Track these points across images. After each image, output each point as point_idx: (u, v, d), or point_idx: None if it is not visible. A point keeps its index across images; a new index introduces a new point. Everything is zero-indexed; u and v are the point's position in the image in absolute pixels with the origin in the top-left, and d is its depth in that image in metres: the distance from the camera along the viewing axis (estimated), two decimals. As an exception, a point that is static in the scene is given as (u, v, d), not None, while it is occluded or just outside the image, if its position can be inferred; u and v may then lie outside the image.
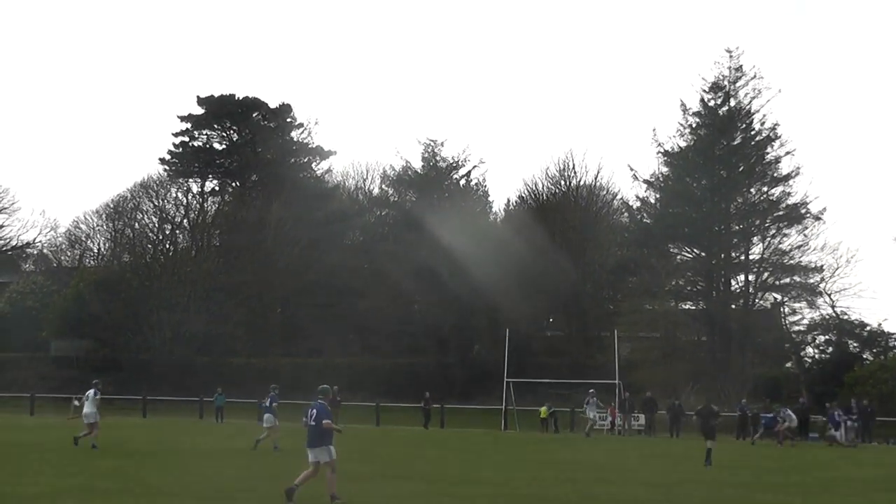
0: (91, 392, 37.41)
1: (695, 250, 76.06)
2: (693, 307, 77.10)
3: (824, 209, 73.74)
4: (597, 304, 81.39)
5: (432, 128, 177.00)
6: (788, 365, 79.96)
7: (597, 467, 33.09)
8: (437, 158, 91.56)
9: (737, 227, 75.31)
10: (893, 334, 78.84)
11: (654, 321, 74.40)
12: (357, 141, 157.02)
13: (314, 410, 21.15)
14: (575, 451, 42.90)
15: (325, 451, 20.95)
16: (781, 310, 77.48)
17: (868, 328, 77.82)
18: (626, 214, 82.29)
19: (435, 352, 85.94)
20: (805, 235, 74.26)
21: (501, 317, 76.89)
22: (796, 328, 78.63)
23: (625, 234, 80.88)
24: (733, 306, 75.43)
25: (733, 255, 75.60)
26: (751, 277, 75.15)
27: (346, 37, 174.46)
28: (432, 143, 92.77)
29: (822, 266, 74.86)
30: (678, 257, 77.01)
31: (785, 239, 74.64)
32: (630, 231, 79.72)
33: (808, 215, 73.68)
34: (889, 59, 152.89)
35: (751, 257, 75.27)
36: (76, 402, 50.65)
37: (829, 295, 77.10)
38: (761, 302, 76.05)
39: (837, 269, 76.45)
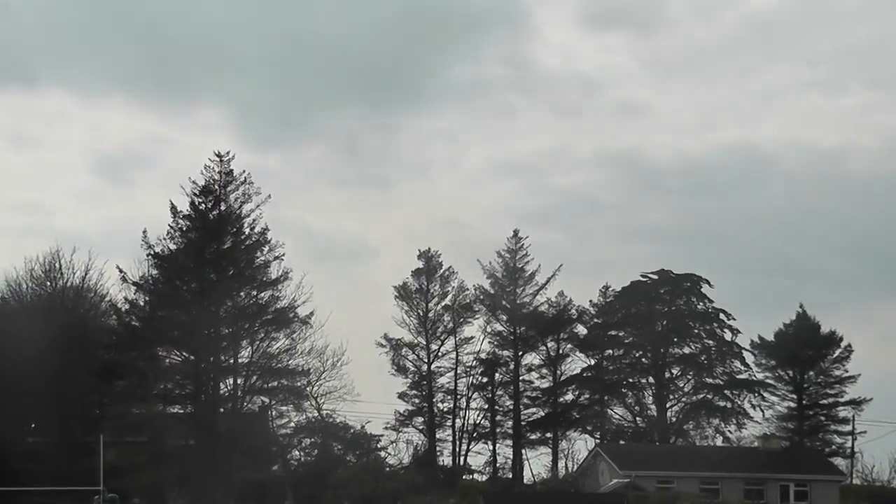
0: None
1: (184, 353, 75.80)
2: (181, 410, 77.13)
3: (312, 313, 75.99)
4: (82, 408, 77.19)
5: None
6: (275, 468, 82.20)
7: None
8: None
9: (226, 331, 76.39)
10: (376, 436, 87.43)
11: (142, 425, 74.63)
12: None
13: None
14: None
15: None
16: (269, 413, 79.92)
17: (352, 430, 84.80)
18: (114, 317, 79.62)
19: None
20: (293, 339, 77.02)
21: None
22: (283, 431, 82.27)
23: (113, 337, 78.22)
24: (222, 410, 76.54)
25: (222, 358, 76.65)
26: (239, 381, 76.91)
27: None
28: None
29: (308, 369, 78.66)
30: (167, 360, 76.71)
31: (273, 343, 76.86)
32: (118, 334, 78.16)
33: (296, 319, 76.39)
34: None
35: (240, 360, 77.01)
36: None
37: (316, 398, 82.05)
38: (249, 405, 78.30)
39: (324, 372, 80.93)
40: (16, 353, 70.84)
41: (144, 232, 75.15)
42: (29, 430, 76.91)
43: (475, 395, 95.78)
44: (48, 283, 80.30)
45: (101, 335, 78.74)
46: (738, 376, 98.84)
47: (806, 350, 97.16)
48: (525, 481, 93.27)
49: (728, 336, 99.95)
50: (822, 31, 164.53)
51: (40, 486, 60.83)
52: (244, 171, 76.44)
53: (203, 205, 75.77)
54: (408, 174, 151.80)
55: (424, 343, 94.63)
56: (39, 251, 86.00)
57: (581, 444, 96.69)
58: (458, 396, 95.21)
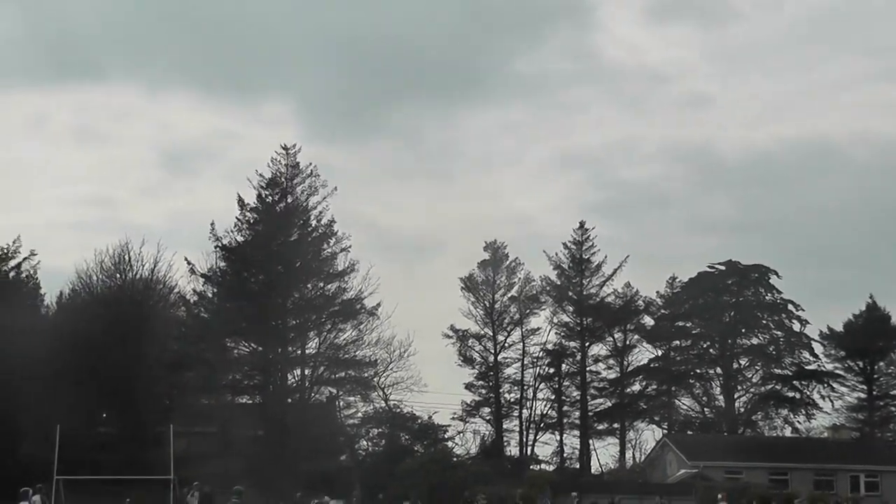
0: None
1: (252, 344, 76.13)
2: (250, 401, 77.37)
3: (378, 304, 75.77)
4: (152, 398, 76.14)
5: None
6: (343, 458, 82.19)
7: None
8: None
9: (293, 322, 76.49)
10: (443, 427, 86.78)
11: (210, 415, 74.31)
12: None
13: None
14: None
15: None
16: (337, 403, 79.75)
17: (419, 421, 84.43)
18: (183, 308, 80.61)
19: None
20: (360, 330, 77.08)
21: (52, 413, 67.01)
22: (351, 421, 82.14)
23: (182, 329, 78.73)
24: (290, 400, 76.49)
25: (290, 349, 76.84)
26: (307, 371, 77.41)
27: None
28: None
29: (375, 360, 78.84)
30: (235, 351, 76.96)
31: (340, 334, 77.09)
32: (187, 325, 78.84)
33: (363, 310, 76.40)
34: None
35: (307, 351, 77.58)
36: None
37: (383, 388, 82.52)
38: (317, 396, 78.22)
39: (390, 363, 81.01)
40: (87, 344, 71.76)
41: (212, 224, 76.28)
42: (100, 420, 77.94)
43: (542, 385, 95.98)
44: (118, 276, 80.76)
45: (169, 326, 79.37)
46: (807, 367, 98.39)
47: (876, 340, 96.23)
48: (592, 471, 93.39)
49: (796, 327, 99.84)
50: (888, 21, 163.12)
51: (112, 475, 61.64)
52: (310, 164, 77.18)
53: (270, 197, 76.55)
54: (472, 167, 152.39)
55: (491, 334, 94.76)
56: (109, 244, 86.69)
57: (648, 435, 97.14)
58: (525, 387, 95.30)
